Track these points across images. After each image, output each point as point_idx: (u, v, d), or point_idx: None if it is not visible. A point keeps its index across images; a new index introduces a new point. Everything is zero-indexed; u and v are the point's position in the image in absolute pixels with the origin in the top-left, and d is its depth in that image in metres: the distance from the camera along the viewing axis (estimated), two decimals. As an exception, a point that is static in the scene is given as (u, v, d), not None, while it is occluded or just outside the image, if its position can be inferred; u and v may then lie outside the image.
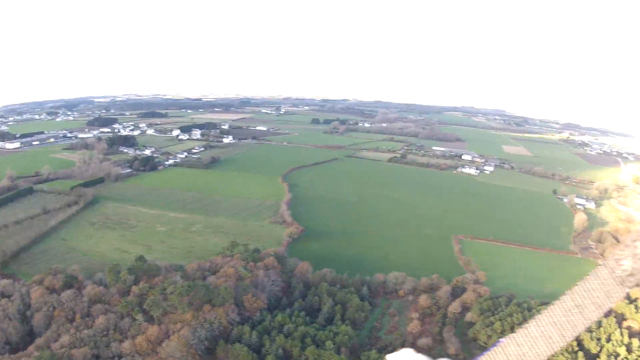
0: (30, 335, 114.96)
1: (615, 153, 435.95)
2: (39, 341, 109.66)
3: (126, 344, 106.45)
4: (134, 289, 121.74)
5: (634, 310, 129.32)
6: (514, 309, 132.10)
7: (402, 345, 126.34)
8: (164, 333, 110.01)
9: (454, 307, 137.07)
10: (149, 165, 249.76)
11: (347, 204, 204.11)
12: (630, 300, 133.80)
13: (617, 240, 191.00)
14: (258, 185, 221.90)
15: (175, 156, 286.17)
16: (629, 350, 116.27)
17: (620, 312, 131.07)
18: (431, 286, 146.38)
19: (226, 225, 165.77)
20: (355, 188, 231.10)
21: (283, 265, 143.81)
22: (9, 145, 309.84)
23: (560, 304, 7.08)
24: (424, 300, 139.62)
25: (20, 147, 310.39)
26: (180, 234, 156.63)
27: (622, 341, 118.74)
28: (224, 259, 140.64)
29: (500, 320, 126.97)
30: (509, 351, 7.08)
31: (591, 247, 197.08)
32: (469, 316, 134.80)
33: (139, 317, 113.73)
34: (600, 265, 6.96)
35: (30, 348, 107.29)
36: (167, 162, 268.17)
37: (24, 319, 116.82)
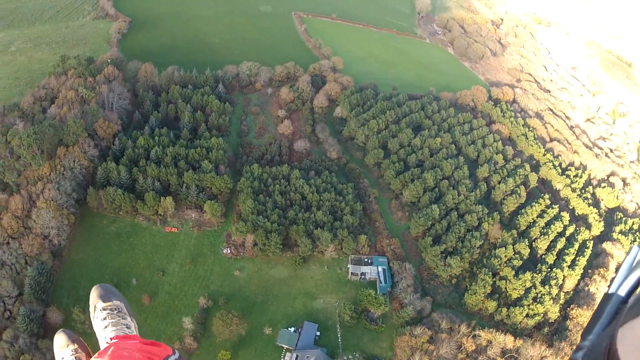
0: None
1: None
2: None
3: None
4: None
5: (500, 113, 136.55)
6: (385, 105, 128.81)
7: (280, 150, 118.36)
8: (27, 200, 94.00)
9: (320, 100, 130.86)
10: None
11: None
12: (494, 102, 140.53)
13: (464, 30, 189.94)
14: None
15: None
16: (505, 158, 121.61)
17: (487, 112, 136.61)
18: (288, 75, 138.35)
19: (46, 33, 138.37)
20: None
21: (124, 72, 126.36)
22: None
23: None
24: (285, 92, 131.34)
25: None
26: (1, 58, 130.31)
27: (496, 147, 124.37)
28: (58, 79, 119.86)
29: (374, 118, 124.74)
30: None
31: (438, 33, 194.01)
32: (338, 111, 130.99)
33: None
34: None
35: None
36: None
37: None
